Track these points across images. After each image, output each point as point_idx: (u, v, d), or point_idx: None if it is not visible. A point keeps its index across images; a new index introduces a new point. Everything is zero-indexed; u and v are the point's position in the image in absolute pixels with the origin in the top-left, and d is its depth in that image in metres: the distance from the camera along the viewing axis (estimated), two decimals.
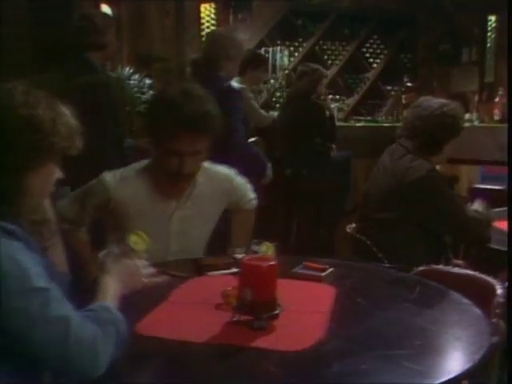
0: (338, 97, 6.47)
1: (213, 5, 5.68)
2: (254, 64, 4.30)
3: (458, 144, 5.15)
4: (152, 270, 1.46)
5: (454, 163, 4.88)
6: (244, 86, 4.30)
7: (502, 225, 2.60)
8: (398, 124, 5.51)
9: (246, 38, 5.81)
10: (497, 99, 5.04)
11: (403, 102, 5.46)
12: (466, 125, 5.24)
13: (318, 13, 6.23)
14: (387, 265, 2.30)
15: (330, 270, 1.74)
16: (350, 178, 4.40)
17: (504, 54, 6.68)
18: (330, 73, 6.39)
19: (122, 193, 1.96)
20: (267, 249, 1.80)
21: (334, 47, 6.46)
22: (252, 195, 2.29)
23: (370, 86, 6.66)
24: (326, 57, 6.42)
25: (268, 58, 4.39)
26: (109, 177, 1.98)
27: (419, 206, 2.27)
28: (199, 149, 1.89)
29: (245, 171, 3.03)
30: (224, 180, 2.13)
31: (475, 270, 2.66)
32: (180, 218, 2.02)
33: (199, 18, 5.61)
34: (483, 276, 1.84)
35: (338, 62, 6.46)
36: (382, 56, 6.80)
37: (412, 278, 1.79)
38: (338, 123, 5.24)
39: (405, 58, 7.05)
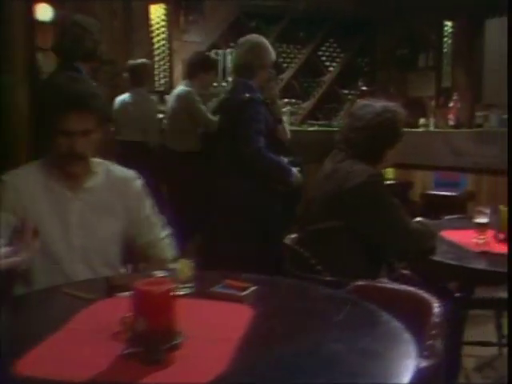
0: (293, 101, 6.36)
1: (163, 6, 5.51)
2: (205, 67, 4.15)
3: (412, 149, 5.07)
4: (6, 248, 1.30)
5: (409, 168, 4.80)
6: (191, 89, 4.14)
7: (452, 235, 2.47)
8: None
9: (197, 40, 5.67)
10: (451, 104, 4.97)
11: None
12: (420, 130, 5.19)
13: (272, 15, 6.11)
14: (326, 278, 2.16)
15: (252, 288, 1.57)
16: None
17: (460, 59, 6.67)
18: (286, 76, 6.29)
19: (16, 184, 1.92)
20: (184, 266, 1.63)
21: (289, 50, 6.35)
22: (167, 241, 2.10)
23: (326, 90, 6.58)
24: (281, 60, 6.30)
25: (218, 61, 4.24)
26: (7, 175, 1.95)
27: (359, 213, 2.13)
28: (88, 128, 1.88)
29: (267, 179, 3.04)
30: (122, 178, 2.05)
31: (424, 281, 2.55)
32: (78, 210, 1.95)
33: (148, 19, 5.43)
34: (421, 293, 1.70)
35: (293, 65, 6.36)
36: (338, 59, 6.72)
37: (342, 297, 1.64)
38: (290, 127, 5.11)
39: (362, 61, 6.99)
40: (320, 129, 5.43)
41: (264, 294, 1.59)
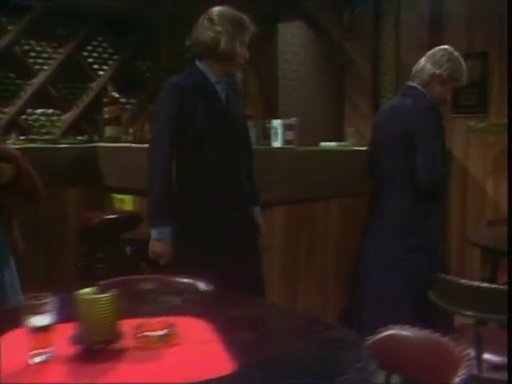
0: (50, 111, 5.28)
1: None
2: None
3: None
4: None
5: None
6: None
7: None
8: (79, 145, 4.30)
9: None
10: None
11: (105, 116, 4.38)
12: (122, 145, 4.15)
13: (12, 5, 4.97)
14: None
15: None
16: None
17: (250, 66, 5.97)
18: (38, 80, 5.19)
19: None
20: None
21: (40, 48, 5.22)
22: None
23: (95, 98, 5.54)
24: (31, 60, 5.17)
25: None
26: None
27: None
28: None
29: None
30: None
31: None
32: None
33: None
34: None
35: (47, 67, 5.25)
36: (111, 62, 5.73)
37: None
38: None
39: (143, 65, 6.07)
40: (45, 145, 4.12)
41: None
